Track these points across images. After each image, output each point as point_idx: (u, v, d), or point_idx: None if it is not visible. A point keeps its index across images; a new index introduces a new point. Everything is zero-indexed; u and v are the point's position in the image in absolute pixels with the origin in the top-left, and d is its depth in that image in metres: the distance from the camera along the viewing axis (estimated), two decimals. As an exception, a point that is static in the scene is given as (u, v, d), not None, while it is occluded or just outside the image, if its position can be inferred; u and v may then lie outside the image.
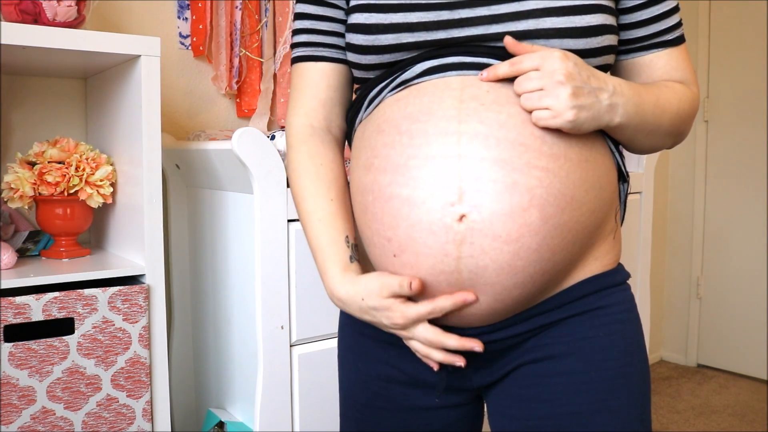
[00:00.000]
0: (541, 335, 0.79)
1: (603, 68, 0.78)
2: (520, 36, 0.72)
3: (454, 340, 0.74)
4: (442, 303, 0.72)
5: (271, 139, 1.27)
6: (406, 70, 0.77)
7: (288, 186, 1.27)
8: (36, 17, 1.16)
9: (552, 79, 0.68)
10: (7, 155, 1.43)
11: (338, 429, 1.35)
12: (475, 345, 0.75)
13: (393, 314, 0.74)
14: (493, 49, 0.74)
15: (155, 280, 1.21)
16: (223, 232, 1.44)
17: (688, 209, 3.22)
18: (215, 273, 1.49)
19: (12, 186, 1.21)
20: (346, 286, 0.77)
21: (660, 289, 3.31)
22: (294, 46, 0.89)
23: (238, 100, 1.78)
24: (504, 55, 0.73)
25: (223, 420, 1.43)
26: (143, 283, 1.19)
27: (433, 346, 0.75)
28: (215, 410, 1.49)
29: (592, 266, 0.79)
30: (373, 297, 0.74)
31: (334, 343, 1.34)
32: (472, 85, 0.72)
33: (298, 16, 0.88)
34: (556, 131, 0.71)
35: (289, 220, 1.27)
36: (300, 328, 1.30)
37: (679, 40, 0.83)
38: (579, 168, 0.72)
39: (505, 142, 0.69)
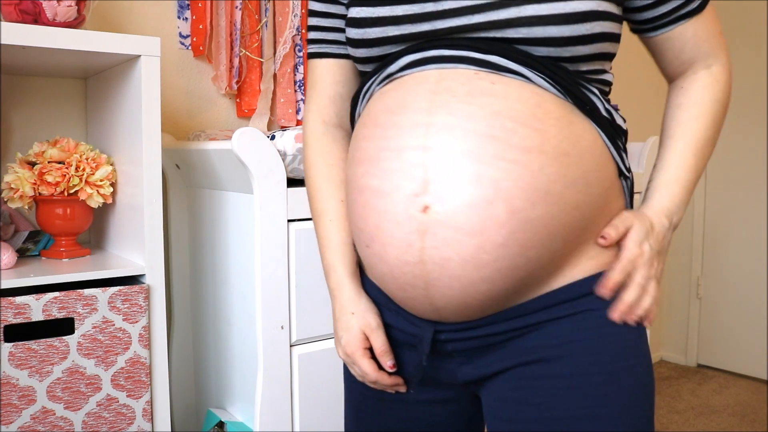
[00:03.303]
0: (530, 336, 0.77)
1: (599, 57, 0.75)
2: (502, 24, 0.72)
3: (387, 380, 0.83)
4: (382, 380, 0.83)
5: (271, 139, 1.27)
6: (392, 64, 0.78)
7: (288, 186, 1.27)
8: (36, 17, 1.16)
9: (644, 280, 0.78)
10: (7, 155, 1.43)
11: (338, 429, 1.36)
12: (401, 387, 0.85)
13: (349, 345, 0.83)
14: (474, 41, 0.73)
15: (155, 280, 1.21)
16: (223, 232, 1.44)
17: (689, 209, 3.22)
18: (215, 273, 1.49)
19: (12, 186, 1.21)
20: (350, 293, 0.84)
21: (660, 289, 3.31)
22: (307, 42, 0.92)
23: (238, 100, 1.78)
24: (482, 47, 0.73)
25: (223, 420, 1.43)
26: (143, 283, 1.19)
27: (368, 379, 0.83)
28: (215, 410, 1.49)
29: (586, 266, 0.76)
30: (357, 322, 0.82)
31: (334, 343, 1.34)
32: (449, 77, 0.72)
33: (309, 13, 0.91)
34: (530, 124, 0.70)
35: (289, 220, 1.27)
36: (300, 328, 1.30)
37: (702, 6, 0.82)
38: (556, 162, 0.70)
39: (473, 134, 0.68)
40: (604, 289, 0.75)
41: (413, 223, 0.69)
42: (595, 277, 0.76)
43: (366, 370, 0.82)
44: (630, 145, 2.05)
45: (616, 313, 0.75)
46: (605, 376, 0.74)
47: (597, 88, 0.77)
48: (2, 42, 1.05)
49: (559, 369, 0.75)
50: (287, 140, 1.26)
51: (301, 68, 1.81)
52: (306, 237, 1.29)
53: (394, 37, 0.76)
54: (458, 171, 0.68)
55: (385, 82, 0.78)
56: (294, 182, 1.30)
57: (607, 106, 0.78)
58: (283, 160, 1.26)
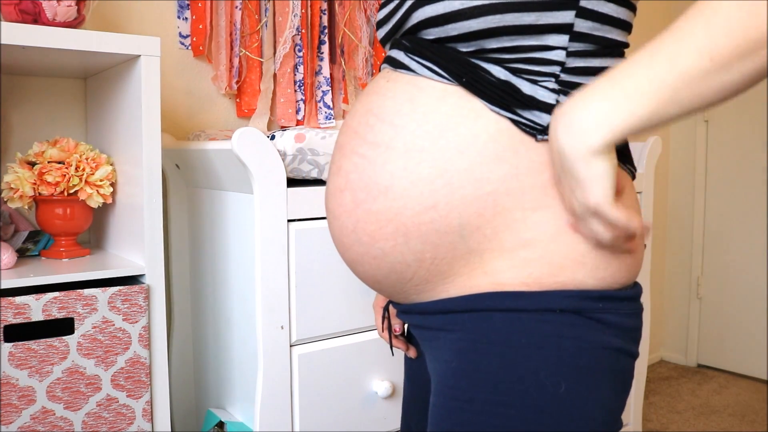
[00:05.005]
0: (428, 344, 0.76)
1: (504, 31, 0.65)
2: (404, 19, 0.73)
3: (386, 338, 0.95)
4: (383, 336, 0.96)
5: (271, 139, 1.27)
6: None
7: (288, 186, 1.27)
8: (36, 17, 1.16)
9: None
10: (7, 155, 1.43)
11: (338, 429, 1.36)
12: (410, 353, 0.93)
13: (375, 299, 1.00)
14: (399, 39, 0.75)
15: (155, 280, 1.21)
16: (223, 232, 1.44)
17: (688, 209, 3.22)
18: (215, 273, 1.49)
19: (12, 186, 1.21)
20: None
21: (660, 289, 3.31)
22: None
23: (238, 100, 1.78)
24: (396, 45, 0.75)
25: (223, 420, 1.43)
26: (143, 283, 1.19)
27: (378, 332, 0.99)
28: (215, 410, 1.49)
29: (480, 281, 0.68)
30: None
31: (334, 343, 1.34)
32: (383, 77, 0.75)
33: None
34: (390, 120, 0.69)
35: (289, 220, 1.27)
36: (300, 328, 1.30)
37: None
38: (404, 158, 0.67)
39: (347, 130, 0.75)
40: None
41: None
42: (487, 296, 0.68)
43: (376, 323, 0.98)
44: (630, 145, 2.05)
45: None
46: (459, 402, 0.68)
47: (513, 67, 0.67)
48: (2, 42, 1.05)
49: (433, 385, 0.74)
50: (287, 140, 1.26)
51: (301, 68, 1.81)
52: (306, 237, 1.29)
53: (381, 41, 0.81)
54: (334, 162, 0.76)
55: None
56: (294, 182, 1.30)
57: (506, 75, 0.67)
58: (283, 160, 1.26)
